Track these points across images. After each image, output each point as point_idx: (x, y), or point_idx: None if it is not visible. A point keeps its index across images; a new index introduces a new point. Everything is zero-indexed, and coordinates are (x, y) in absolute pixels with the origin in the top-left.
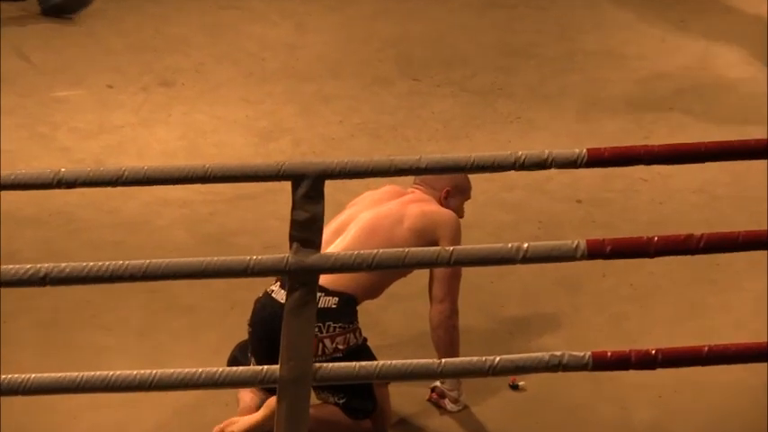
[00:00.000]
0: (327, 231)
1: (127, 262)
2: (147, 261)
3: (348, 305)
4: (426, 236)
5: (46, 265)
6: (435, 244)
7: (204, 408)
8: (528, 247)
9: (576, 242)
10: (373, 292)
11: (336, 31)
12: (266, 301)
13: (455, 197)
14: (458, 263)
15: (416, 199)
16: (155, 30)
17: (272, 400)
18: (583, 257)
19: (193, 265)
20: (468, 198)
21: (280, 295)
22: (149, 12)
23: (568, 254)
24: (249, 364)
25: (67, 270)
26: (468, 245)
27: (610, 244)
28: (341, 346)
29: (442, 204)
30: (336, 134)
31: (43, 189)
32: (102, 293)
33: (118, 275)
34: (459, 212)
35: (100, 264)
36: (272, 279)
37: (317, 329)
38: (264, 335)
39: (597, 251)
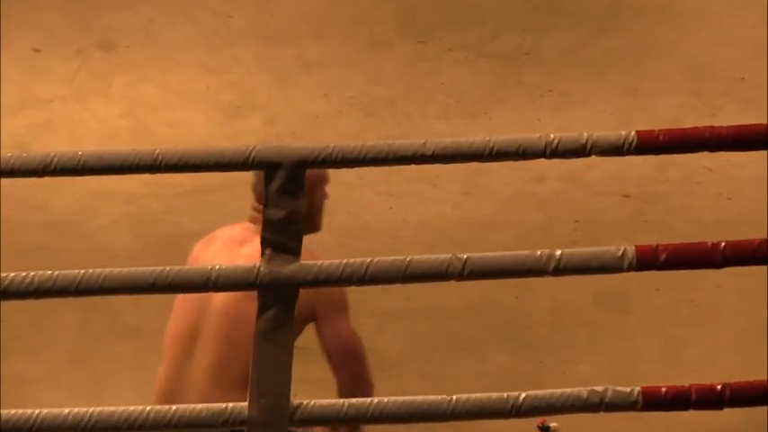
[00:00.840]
0: (169, 340)
1: (56, 272)
2: (82, 271)
3: None
4: (300, 309)
5: None
6: (312, 317)
7: None
8: (561, 254)
9: (622, 248)
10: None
11: None
12: None
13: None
14: (473, 275)
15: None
16: None
17: None
18: (631, 268)
19: (140, 277)
20: (327, 181)
21: None
22: None
23: (612, 263)
24: None
25: None
26: (489, 251)
27: (665, 251)
28: None
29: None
30: (321, 110)
31: None
32: (26, 311)
33: (45, 289)
34: (319, 208)
35: (23, 274)
36: None
37: None
38: None
39: (649, 260)
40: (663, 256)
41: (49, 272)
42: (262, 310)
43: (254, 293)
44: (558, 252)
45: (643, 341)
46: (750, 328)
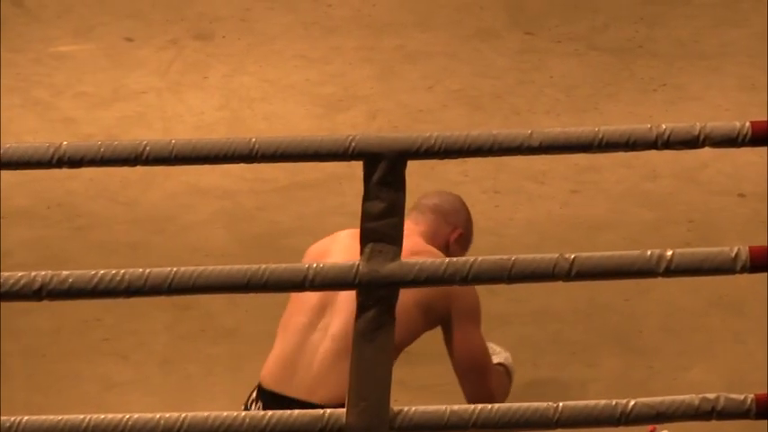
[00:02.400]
0: (301, 307)
1: (147, 270)
2: (174, 269)
3: None
4: (435, 312)
5: (43, 272)
6: (445, 322)
7: None
8: (672, 255)
9: (735, 249)
10: None
11: None
12: None
13: (460, 245)
14: (581, 275)
15: (411, 247)
16: None
17: None
18: (744, 270)
19: (235, 276)
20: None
21: None
22: None
23: (725, 265)
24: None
25: (71, 280)
26: (598, 251)
27: None
28: None
29: (445, 248)
30: (424, 104)
31: (39, 168)
32: (115, 311)
33: (136, 288)
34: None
35: (113, 272)
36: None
37: None
38: None
39: (763, 261)
40: None
41: (141, 270)
42: (361, 309)
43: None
44: (669, 252)
45: (757, 346)
46: None
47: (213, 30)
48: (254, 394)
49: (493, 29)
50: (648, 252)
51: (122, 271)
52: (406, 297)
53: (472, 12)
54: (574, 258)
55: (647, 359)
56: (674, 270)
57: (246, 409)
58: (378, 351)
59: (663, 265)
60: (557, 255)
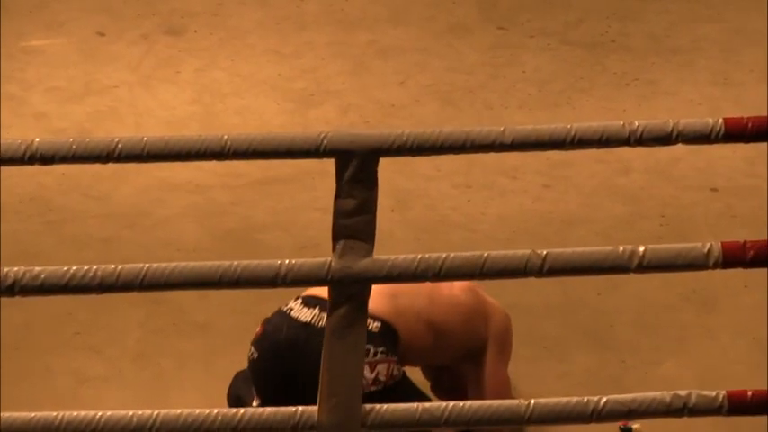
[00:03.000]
0: None
1: (119, 266)
2: (147, 265)
3: (391, 334)
4: (475, 320)
5: (15, 268)
6: (479, 338)
7: None
8: (645, 251)
9: (708, 245)
10: (414, 347)
11: None
12: (281, 320)
13: None
14: (553, 272)
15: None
16: None
17: None
18: (717, 265)
19: (207, 272)
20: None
21: (303, 314)
22: None
23: (698, 260)
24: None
25: (43, 276)
26: (571, 246)
27: (752, 248)
28: (382, 378)
29: None
30: (397, 99)
31: (11, 165)
32: (88, 306)
33: (108, 284)
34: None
35: (85, 268)
36: (292, 294)
37: None
38: (279, 367)
39: (736, 257)
40: (750, 254)
41: (113, 266)
42: (333, 306)
43: (450, 286)
44: (642, 248)
45: (730, 342)
46: None
47: (185, 25)
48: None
49: (465, 24)
50: (621, 248)
51: (95, 267)
52: (454, 289)
53: (444, 7)
54: (546, 255)
55: (620, 354)
56: (647, 266)
57: (281, 311)
58: (349, 348)
59: (635, 261)
60: (529, 251)
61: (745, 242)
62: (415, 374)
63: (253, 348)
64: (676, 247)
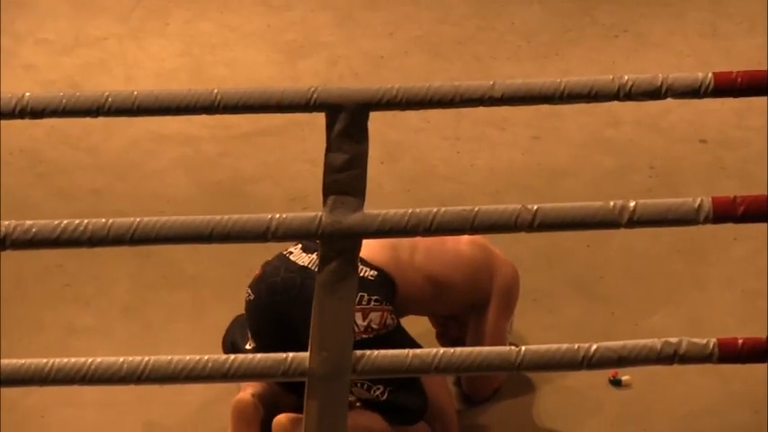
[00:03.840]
0: None
1: (110, 220)
2: (137, 220)
3: (388, 283)
4: (480, 274)
5: (6, 222)
6: (484, 292)
7: (211, 408)
8: (635, 206)
9: (698, 200)
10: (413, 298)
11: None
12: (280, 263)
13: None
14: (543, 226)
15: None
16: None
17: None
18: (707, 220)
19: (197, 226)
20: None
21: (301, 258)
22: None
23: (688, 216)
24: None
25: (34, 230)
26: (560, 198)
27: (743, 203)
28: (374, 326)
29: None
30: (386, 50)
31: (2, 119)
32: (77, 258)
33: (99, 238)
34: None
35: (76, 222)
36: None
37: None
38: (273, 310)
39: (726, 212)
40: (741, 209)
41: (104, 220)
42: (324, 261)
43: (458, 240)
44: (632, 204)
45: (720, 292)
46: None
47: None
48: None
49: None
50: (611, 203)
51: (85, 221)
52: (462, 243)
53: None
54: (536, 210)
55: (609, 306)
56: (638, 221)
57: (281, 255)
58: (340, 302)
59: (626, 216)
60: (519, 206)
61: (735, 198)
62: (419, 325)
63: (249, 290)
64: (667, 202)
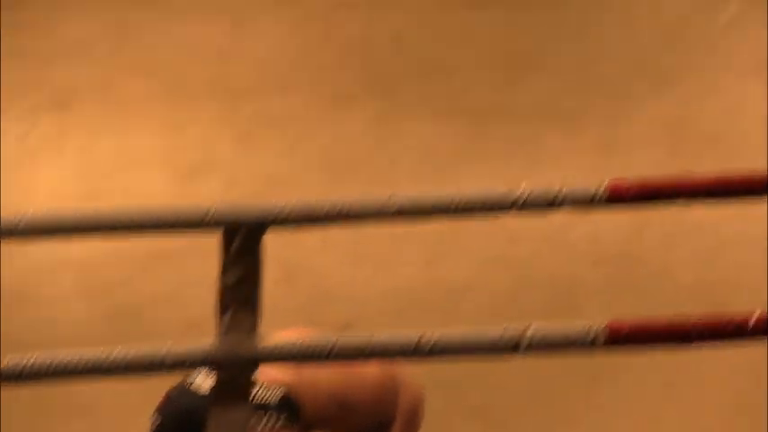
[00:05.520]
0: None
1: (8, 357)
2: (33, 357)
3: (291, 403)
4: (385, 396)
5: None
6: (388, 414)
7: None
8: (532, 334)
9: (593, 328)
10: (318, 417)
11: (284, 31)
12: (183, 388)
13: None
14: (435, 352)
15: None
16: (47, 31)
17: None
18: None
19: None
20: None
21: (206, 382)
22: (41, 6)
23: (582, 343)
24: None
25: None
26: (461, 316)
27: (628, 327)
28: None
29: None
30: (283, 170)
31: None
32: None
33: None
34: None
35: None
36: None
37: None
38: None
39: (623, 335)
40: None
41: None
42: (219, 386)
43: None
44: (530, 332)
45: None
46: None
47: (71, 98)
48: None
49: (350, 94)
50: (501, 330)
51: None
52: (369, 368)
53: (329, 76)
54: (433, 337)
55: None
56: (534, 347)
57: (184, 381)
58: (235, 426)
59: (523, 345)
60: (419, 332)
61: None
62: None
63: (157, 414)
64: (560, 329)
